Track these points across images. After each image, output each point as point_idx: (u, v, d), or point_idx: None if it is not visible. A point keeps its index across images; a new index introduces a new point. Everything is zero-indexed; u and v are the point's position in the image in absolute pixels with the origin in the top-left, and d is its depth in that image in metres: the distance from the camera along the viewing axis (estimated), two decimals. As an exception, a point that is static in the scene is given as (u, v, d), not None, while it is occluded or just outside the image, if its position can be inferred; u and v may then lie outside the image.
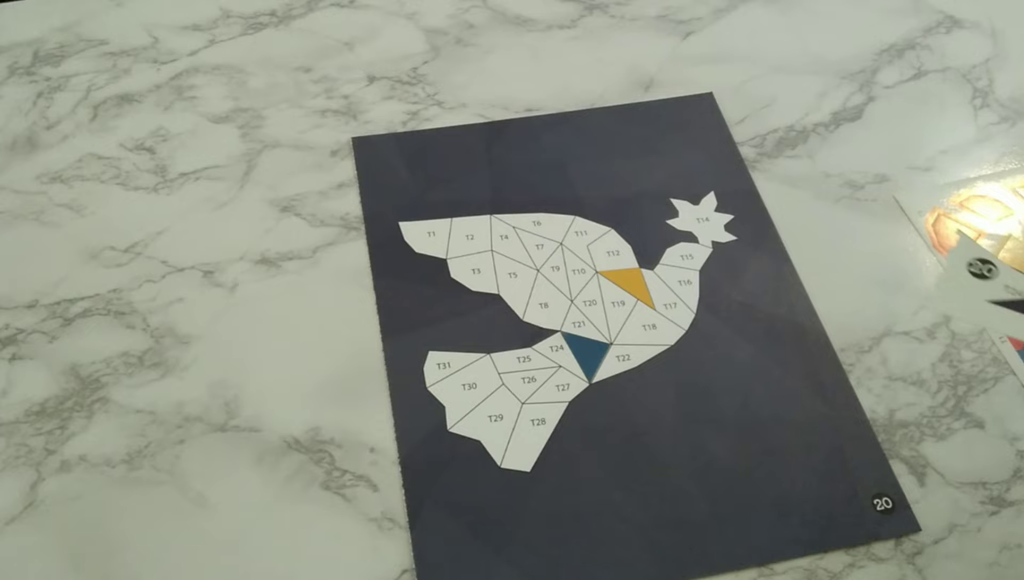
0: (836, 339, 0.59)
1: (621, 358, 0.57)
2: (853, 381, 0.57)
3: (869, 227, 0.64)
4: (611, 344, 0.57)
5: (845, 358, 0.58)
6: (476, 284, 0.59)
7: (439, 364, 0.56)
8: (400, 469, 0.52)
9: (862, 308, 0.60)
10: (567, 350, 0.57)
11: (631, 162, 0.66)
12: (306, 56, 0.71)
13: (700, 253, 0.62)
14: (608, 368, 0.56)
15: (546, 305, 0.58)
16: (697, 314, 0.59)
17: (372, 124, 0.67)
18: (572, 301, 0.59)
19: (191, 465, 0.51)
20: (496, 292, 0.59)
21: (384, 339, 0.56)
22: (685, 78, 0.72)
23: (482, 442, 0.53)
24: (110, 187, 0.62)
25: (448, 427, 0.53)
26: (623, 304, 0.59)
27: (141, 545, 0.49)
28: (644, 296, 0.59)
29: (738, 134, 0.68)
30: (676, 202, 0.64)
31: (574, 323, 0.58)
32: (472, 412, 0.54)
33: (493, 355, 0.56)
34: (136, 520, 0.50)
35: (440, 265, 0.60)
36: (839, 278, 0.61)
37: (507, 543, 0.50)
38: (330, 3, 0.74)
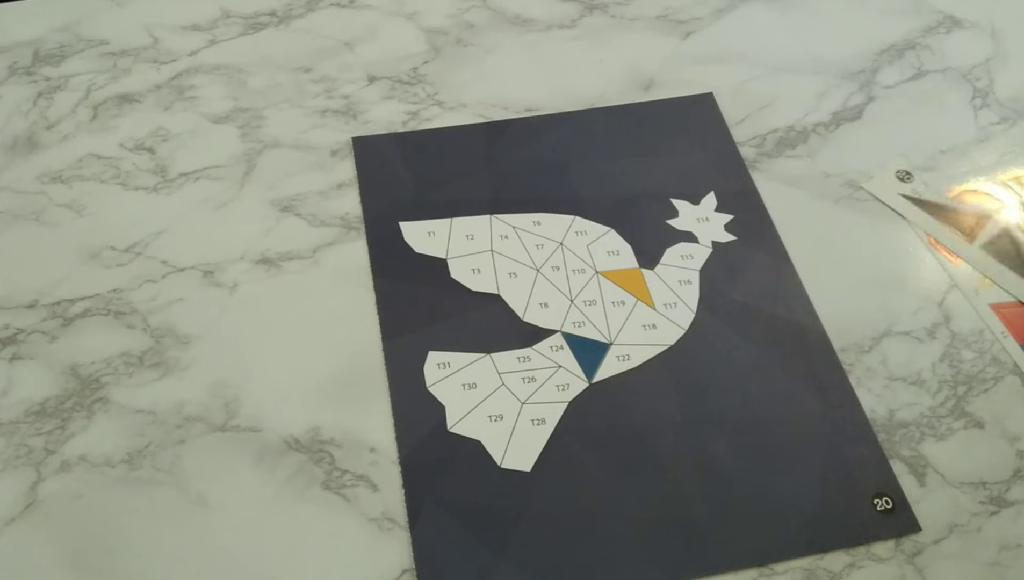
0: (836, 339, 0.59)
1: (621, 358, 0.57)
2: (853, 381, 0.57)
3: (869, 227, 0.64)
4: (611, 344, 0.57)
5: (845, 358, 0.58)
6: (476, 284, 0.59)
7: (439, 364, 0.56)
8: (400, 469, 0.52)
9: (862, 308, 0.60)
10: (567, 350, 0.57)
11: (631, 162, 0.66)
12: (306, 56, 0.71)
13: (700, 253, 0.62)
14: (608, 368, 0.56)
15: (546, 305, 0.58)
16: (697, 314, 0.59)
17: (372, 124, 0.67)
18: (572, 301, 0.59)
19: (191, 465, 0.51)
20: (496, 292, 0.59)
21: (384, 339, 0.56)
22: (685, 78, 0.72)
23: (482, 442, 0.53)
24: (110, 187, 0.62)
25: (448, 427, 0.53)
26: (623, 304, 0.59)
27: (141, 545, 0.49)
28: (644, 296, 0.59)
29: (738, 134, 0.69)
30: (676, 202, 0.64)
31: (574, 323, 0.58)
32: (472, 412, 0.54)
33: (493, 355, 0.56)
34: (136, 520, 0.50)
35: (440, 265, 0.60)
36: (839, 278, 0.61)
37: (507, 543, 0.50)
38: (330, 3, 0.74)
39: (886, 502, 0.52)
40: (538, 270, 0.60)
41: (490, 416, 0.54)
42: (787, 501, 0.52)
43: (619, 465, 0.53)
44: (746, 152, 0.68)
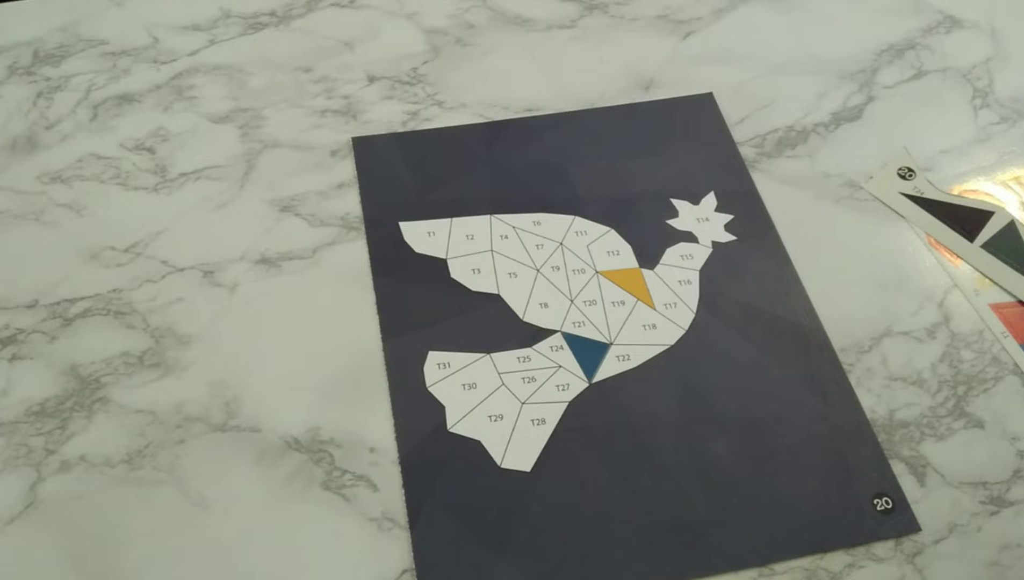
0: (836, 339, 0.59)
1: (621, 358, 0.57)
2: (853, 381, 0.57)
3: (869, 227, 0.64)
4: (611, 344, 0.57)
5: (845, 358, 0.58)
6: (476, 284, 0.59)
7: (439, 364, 0.56)
8: (400, 469, 0.52)
9: (862, 308, 0.60)
10: (567, 350, 0.57)
11: (631, 162, 0.66)
12: (306, 56, 0.71)
13: (700, 253, 0.62)
14: (608, 368, 0.56)
15: (546, 305, 0.58)
16: (697, 314, 0.59)
17: (372, 124, 0.67)
18: (572, 301, 0.59)
19: (191, 465, 0.51)
20: (496, 292, 0.59)
21: (384, 339, 0.56)
22: (685, 78, 0.72)
23: (482, 442, 0.53)
24: (110, 187, 0.62)
25: (448, 427, 0.53)
26: (623, 304, 0.59)
27: (141, 545, 0.49)
28: (644, 296, 0.59)
29: (738, 134, 0.69)
30: (676, 202, 0.64)
31: (574, 323, 0.58)
32: (472, 412, 0.54)
33: (493, 355, 0.56)
34: (136, 520, 0.50)
35: (440, 265, 0.60)
36: (839, 278, 0.61)
37: (507, 543, 0.50)
38: (330, 3, 0.74)
39: (886, 502, 0.52)
40: (538, 270, 0.60)
41: (490, 416, 0.54)
42: (787, 501, 0.52)
43: (619, 465, 0.53)
44: (746, 152, 0.68)
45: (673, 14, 0.76)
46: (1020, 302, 0.61)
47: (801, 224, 0.64)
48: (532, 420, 0.54)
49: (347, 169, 0.64)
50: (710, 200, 0.64)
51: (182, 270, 0.59)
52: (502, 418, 0.54)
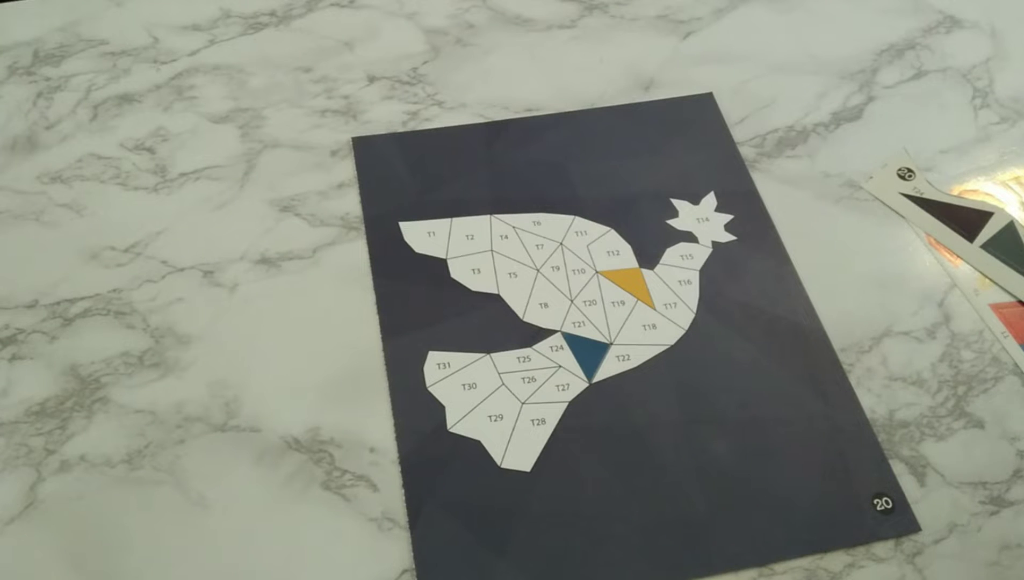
0: (836, 339, 0.59)
1: (621, 358, 0.57)
2: (853, 381, 0.57)
3: (869, 227, 0.64)
4: (611, 344, 0.57)
5: (845, 358, 0.58)
6: (476, 284, 0.59)
7: (439, 364, 0.56)
8: (400, 469, 0.52)
9: (862, 308, 0.60)
10: (567, 350, 0.57)
11: (631, 162, 0.66)
12: (306, 56, 0.71)
13: (700, 253, 0.62)
14: (608, 368, 0.56)
15: (546, 305, 0.58)
16: (697, 314, 0.59)
17: (372, 124, 0.67)
18: (572, 301, 0.59)
19: (191, 465, 0.51)
20: (496, 292, 0.59)
21: (384, 339, 0.56)
22: (685, 78, 0.72)
23: (482, 442, 0.53)
24: (110, 187, 0.62)
25: (448, 427, 0.53)
26: (623, 304, 0.59)
27: (141, 545, 0.49)
28: (644, 296, 0.59)
29: (738, 134, 0.69)
30: (676, 202, 0.64)
31: (574, 323, 0.58)
32: (472, 412, 0.54)
33: (493, 355, 0.56)
34: (136, 520, 0.50)
35: (440, 265, 0.60)
36: (839, 278, 0.61)
37: (507, 543, 0.50)
38: (330, 3, 0.74)
39: (886, 502, 0.52)
40: (538, 270, 0.60)
41: (490, 416, 0.54)
42: (787, 501, 0.52)
43: (619, 465, 0.53)
44: (746, 152, 0.68)
45: (673, 14, 0.76)
46: (1020, 302, 0.61)
47: (801, 224, 0.64)
48: (532, 420, 0.54)
49: (347, 169, 0.64)
50: (710, 200, 0.64)
51: (182, 270, 0.59)
52: (502, 418, 0.54)
